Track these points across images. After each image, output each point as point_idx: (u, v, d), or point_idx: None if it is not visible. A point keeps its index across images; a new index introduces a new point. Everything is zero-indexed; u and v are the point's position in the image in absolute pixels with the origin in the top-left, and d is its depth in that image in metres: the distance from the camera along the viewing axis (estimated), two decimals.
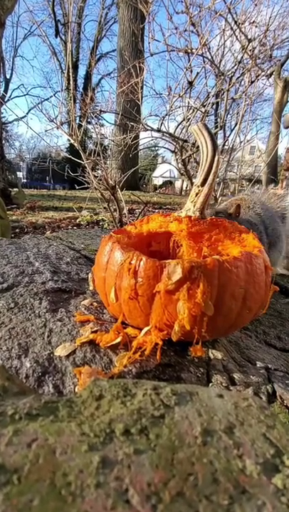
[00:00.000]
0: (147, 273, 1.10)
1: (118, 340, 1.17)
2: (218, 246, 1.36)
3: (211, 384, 1.07)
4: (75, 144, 4.04)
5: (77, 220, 4.65)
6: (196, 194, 1.44)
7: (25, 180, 29.41)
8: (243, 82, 5.55)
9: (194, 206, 1.44)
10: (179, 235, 1.42)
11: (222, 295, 1.08)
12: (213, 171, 1.40)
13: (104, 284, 1.28)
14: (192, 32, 5.13)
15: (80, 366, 1.05)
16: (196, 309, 1.04)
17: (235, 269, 1.09)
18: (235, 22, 4.80)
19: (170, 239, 1.51)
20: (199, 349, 1.14)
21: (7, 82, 36.78)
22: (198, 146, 4.84)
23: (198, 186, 1.44)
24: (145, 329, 1.14)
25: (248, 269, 1.13)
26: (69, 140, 4.42)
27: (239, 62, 5.09)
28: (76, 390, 0.99)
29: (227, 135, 5.52)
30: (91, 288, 1.46)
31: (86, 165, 4.02)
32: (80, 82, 32.47)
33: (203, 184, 1.42)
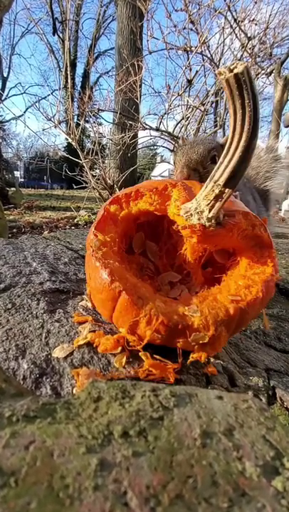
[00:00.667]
0: (168, 332, 1.05)
1: (118, 351, 1.15)
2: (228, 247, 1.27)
3: (210, 385, 1.07)
4: (73, 143, 4.05)
5: (75, 220, 4.65)
6: (216, 197, 1.08)
7: (22, 180, 29.40)
8: None
9: (210, 212, 1.10)
10: (193, 269, 1.36)
11: (236, 330, 1.14)
12: (244, 167, 1.03)
13: (115, 320, 1.20)
14: (191, 30, 5.14)
15: (78, 367, 1.05)
16: (212, 351, 1.06)
17: (254, 308, 1.10)
18: (235, 20, 4.81)
19: (164, 220, 1.39)
20: (212, 367, 1.15)
21: (4, 80, 36.81)
22: None
23: (220, 185, 1.07)
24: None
25: (262, 300, 1.13)
26: (67, 139, 4.43)
27: (239, 61, 5.11)
28: (74, 391, 0.99)
29: (226, 133, 5.54)
30: (90, 305, 1.46)
31: (84, 164, 4.03)
32: (78, 80, 32.50)
33: (227, 184, 1.06)
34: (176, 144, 5.37)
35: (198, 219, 1.12)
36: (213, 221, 1.10)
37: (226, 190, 1.05)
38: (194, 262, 1.31)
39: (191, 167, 1.51)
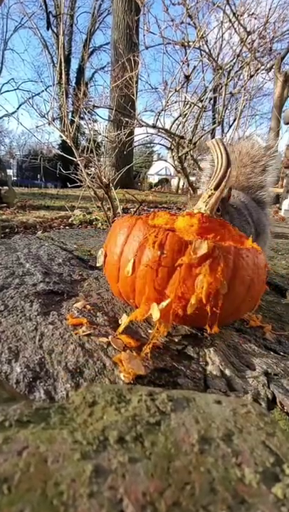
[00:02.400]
0: (172, 246, 1.23)
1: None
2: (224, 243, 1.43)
3: (208, 390, 1.07)
4: (68, 141, 4.04)
5: (70, 220, 4.64)
6: (209, 196, 1.63)
7: (15, 178, 29.29)
8: (241, 76, 5.57)
9: (206, 206, 1.61)
10: (186, 231, 1.49)
11: (234, 278, 1.22)
12: (225, 179, 1.62)
13: (120, 258, 1.36)
14: (189, 24, 5.15)
15: (72, 371, 1.05)
16: (214, 285, 1.18)
17: (246, 257, 1.24)
18: (234, 14, 4.81)
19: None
20: (216, 327, 1.25)
21: None
22: (195, 143, 4.85)
23: (211, 190, 1.63)
24: (165, 302, 1.21)
25: (254, 260, 1.27)
26: (61, 136, 4.43)
27: (238, 56, 5.10)
28: (122, 377, 1.04)
29: (225, 131, 5.53)
30: (99, 263, 1.53)
31: (79, 162, 4.02)
32: (73, 76, 32.41)
33: (216, 188, 1.62)
34: (173, 142, 5.38)
35: (199, 210, 1.60)
36: (208, 211, 1.58)
37: (215, 191, 1.61)
38: None
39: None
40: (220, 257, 1.19)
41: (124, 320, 1.32)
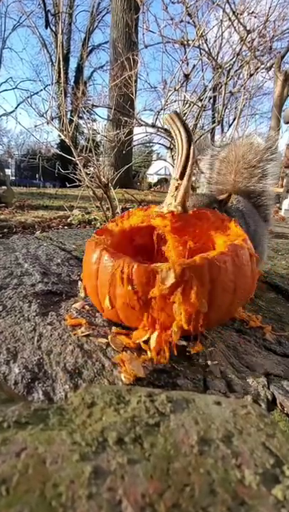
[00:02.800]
0: (140, 280, 1.18)
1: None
2: (203, 237, 1.46)
3: (208, 391, 1.07)
4: (66, 140, 4.04)
5: (69, 220, 4.64)
6: (176, 188, 1.49)
7: (14, 178, 29.30)
8: (241, 75, 5.56)
9: (175, 200, 1.49)
10: (163, 229, 1.49)
11: (214, 290, 1.19)
12: (190, 163, 1.46)
13: (97, 292, 1.33)
14: (188, 23, 5.15)
15: (70, 372, 1.05)
16: (191, 309, 1.14)
17: (224, 264, 1.20)
18: (234, 12, 4.81)
19: (153, 232, 1.56)
20: (198, 345, 1.24)
21: None
22: (194, 143, 4.85)
23: (176, 180, 1.49)
24: (154, 335, 1.19)
25: (234, 261, 1.24)
26: (60, 136, 4.43)
27: (237, 55, 5.10)
28: (123, 378, 1.05)
29: (225, 130, 5.53)
30: (82, 295, 1.53)
31: (77, 162, 4.02)
32: (72, 75, 32.35)
33: (181, 177, 1.48)
34: (172, 141, 5.37)
35: (168, 208, 1.50)
36: (179, 207, 1.47)
37: (181, 181, 1.48)
38: (179, 258, 1.44)
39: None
40: (192, 278, 1.15)
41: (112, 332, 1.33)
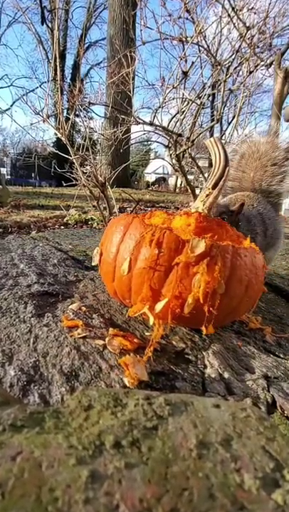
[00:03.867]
0: (169, 245, 1.24)
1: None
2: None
3: (207, 393, 1.07)
4: (63, 138, 4.04)
5: (65, 219, 4.63)
6: (207, 195, 1.63)
7: (9, 177, 29.19)
8: (241, 73, 5.56)
9: (204, 205, 1.61)
10: (183, 230, 1.49)
11: (231, 277, 1.22)
12: (224, 178, 1.60)
13: (116, 257, 1.37)
14: (187, 19, 5.14)
15: (67, 374, 1.05)
16: (211, 284, 1.19)
17: (244, 257, 1.25)
18: (233, 8, 4.81)
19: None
20: (211, 328, 1.25)
21: None
22: (193, 141, 4.85)
23: (209, 189, 1.63)
24: (163, 302, 1.23)
25: (252, 260, 1.28)
26: (56, 134, 4.42)
27: (237, 52, 5.09)
28: (127, 382, 1.05)
29: (224, 129, 5.53)
30: (94, 263, 1.54)
31: (74, 160, 4.02)
32: (68, 72, 32.28)
33: (214, 187, 1.62)
34: (170, 140, 5.37)
35: (196, 209, 1.61)
36: (206, 210, 1.59)
37: (212, 190, 1.61)
38: None
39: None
40: (217, 256, 1.20)
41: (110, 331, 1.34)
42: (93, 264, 1.56)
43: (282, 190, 2.24)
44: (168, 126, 5.48)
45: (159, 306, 1.22)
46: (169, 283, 1.23)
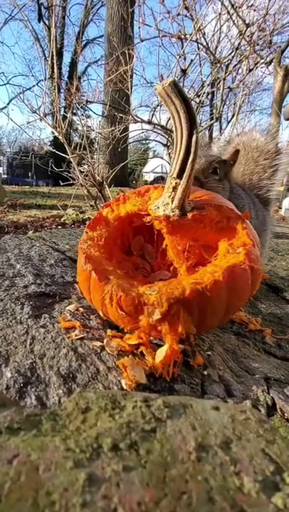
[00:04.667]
0: (129, 308, 1.20)
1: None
2: (204, 238, 1.40)
3: (206, 396, 1.07)
4: (60, 137, 4.04)
5: (62, 219, 4.63)
6: (174, 188, 1.31)
7: (5, 176, 29.13)
8: (240, 70, 5.58)
9: (172, 202, 1.31)
10: (169, 246, 1.47)
11: (203, 315, 1.19)
12: (191, 158, 1.25)
13: (92, 302, 1.39)
14: (186, 16, 5.15)
15: (64, 376, 1.05)
16: (179, 337, 1.16)
17: (216, 293, 1.16)
18: (232, 5, 4.82)
19: (146, 217, 1.49)
20: (199, 359, 1.24)
21: None
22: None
23: (174, 178, 1.30)
24: (164, 348, 1.18)
25: (230, 287, 1.18)
26: (53, 133, 4.42)
27: (236, 49, 5.10)
28: (124, 384, 1.05)
29: (223, 127, 5.54)
30: (78, 297, 1.58)
31: (71, 159, 4.02)
32: (65, 70, 32.21)
33: (180, 176, 1.29)
34: (169, 138, 5.37)
35: (164, 210, 1.33)
36: (176, 211, 1.30)
37: (179, 181, 1.28)
38: (178, 257, 1.46)
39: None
40: (179, 311, 1.15)
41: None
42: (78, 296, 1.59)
43: (272, 185, 2.22)
44: (166, 124, 5.49)
45: (161, 353, 1.18)
46: (142, 329, 1.23)
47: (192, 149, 1.23)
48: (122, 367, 1.10)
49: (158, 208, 1.36)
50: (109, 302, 1.22)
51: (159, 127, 5.40)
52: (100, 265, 1.35)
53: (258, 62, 5.39)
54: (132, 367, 1.10)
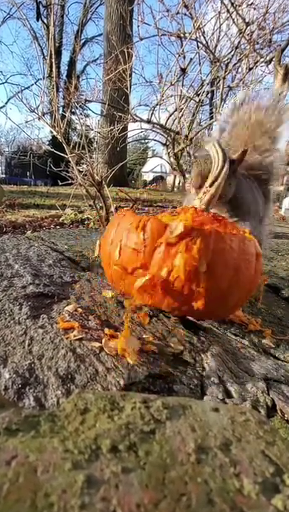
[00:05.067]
0: (153, 229, 1.33)
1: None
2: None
3: (205, 397, 1.07)
4: (58, 136, 4.04)
5: (61, 219, 4.63)
6: (204, 193, 1.68)
7: (4, 176, 29.06)
8: (240, 69, 5.57)
9: (201, 201, 1.67)
10: (188, 223, 1.51)
11: (215, 259, 1.26)
12: (221, 177, 1.66)
13: (111, 245, 1.48)
14: (185, 15, 5.15)
15: (62, 377, 1.05)
16: (190, 262, 1.25)
17: (230, 241, 1.28)
18: (232, 4, 4.82)
19: None
20: (200, 302, 1.31)
21: None
22: (191, 139, 4.86)
23: (206, 187, 1.69)
24: (144, 278, 1.34)
25: (240, 245, 1.30)
26: (51, 132, 4.42)
27: (236, 48, 5.10)
28: (130, 361, 1.03)
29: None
30: (96, 254, 1.73)
31: (70, 159, 4.01)
32: (64, 69, 32.16)
33: (211, 185, 1.67)
34: (168, 138, 5.37)
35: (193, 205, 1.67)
36: (203, 206, 1.65)
37: (210, 188, 1.66)
38: None
39: (203, 175, 1.85)
40: (197, 236, 1.25)
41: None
42: (95, 255, 1.65)
43: (271, 158, 2.21)
44: (166, 124, 5.49)
45: (139, 282, 1.34)
46: (153, 265, 1.32)
47: (223, 172, 1.66)
48: (122, 351, 1.17)
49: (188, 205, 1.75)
50: (136, 225, 1.37)
51: (158, 126, 5.40)
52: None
53: (257, 61, 5.39)
54: (129, 344, 1.16)
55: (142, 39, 5.62)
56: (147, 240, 1.32)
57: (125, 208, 1.68)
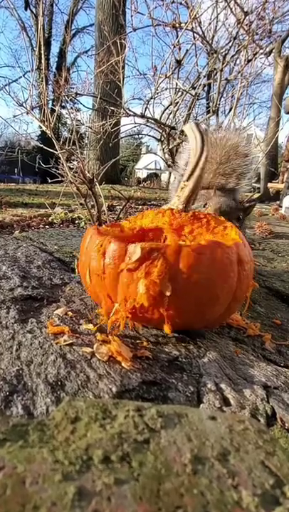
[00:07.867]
0: (113, 254, 1.31)
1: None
2: (201, 235, 1.54)
3: (202, 405, 1.07)
4: (48, 132, 4.03)
5: (50, 218, 4.62)
6: (182, 188, 1.65)
7: None
8: (238, 61, 5.56)
9: (179, 200, 1.64)
10: (166, 229, 1.59)
11: (184, 278, 1.24)
12: (199, 167, 1.60)
13: (83, 268, 1.48)
14: (180, 4, 5.14)
15: (52, 384, 1.05)
16: (153, 287, 1.24)
17: (198, 255, 1.24)
18: None
19: (162, 234, 1.64)
20: (167, 327, 1.31)
21: None
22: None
23: (184, 181, 1.65)
24: (114, 307, 1.33)
25: (213, 256, 1.27)
26: (40, 127, 4.41)
27: (234, 39, 5.10)
28: (125, 366, 1.02)
29: (221, 121, 5.52)
30: (76, 273, 1.72)
31: (60, 155, 4.01)
32: (53, 60, 32.21)
33: (188, 179, 1.63)
34: (163, 133, 5.38)
35: (171, 206, 1.67)
36: (180, 206, 1.63)
37: (187, 182, 1.63)
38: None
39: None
40: (158, 258, 1.23)
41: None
42: (75, 267, 1.64)
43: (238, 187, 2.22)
44: (160, 118, 5.48)
45: (111, 313, 1.33)
46: (118, 290, 1.32)
47: (201, 161, 1.60)
48: (117, 354, 1.18)
49: (166, 207, 1.71)
50: (98, 250, 1.36)
51: (152, 121, 5.40)
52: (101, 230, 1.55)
53: (257, 53, 5.38)
54: (121, 348, 1.20)
55: (135, 29, 5.61)
56: (109, 267, 1.32)
57: (105, 225, 1.70)
